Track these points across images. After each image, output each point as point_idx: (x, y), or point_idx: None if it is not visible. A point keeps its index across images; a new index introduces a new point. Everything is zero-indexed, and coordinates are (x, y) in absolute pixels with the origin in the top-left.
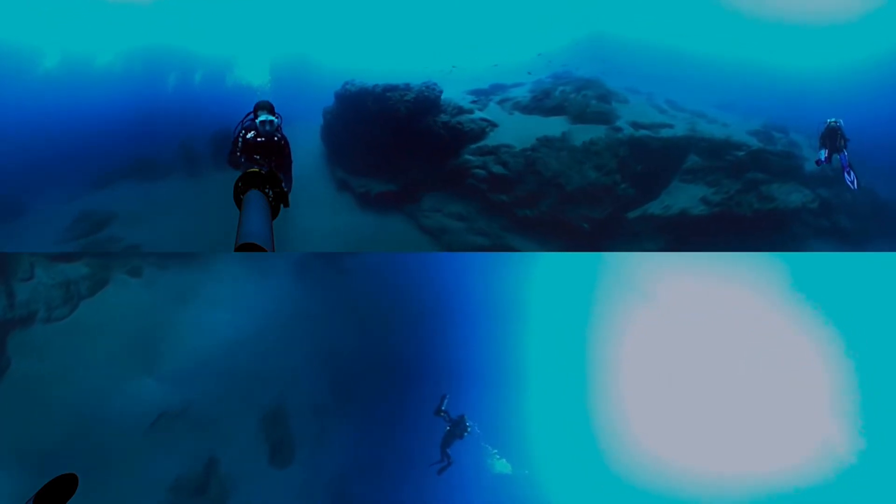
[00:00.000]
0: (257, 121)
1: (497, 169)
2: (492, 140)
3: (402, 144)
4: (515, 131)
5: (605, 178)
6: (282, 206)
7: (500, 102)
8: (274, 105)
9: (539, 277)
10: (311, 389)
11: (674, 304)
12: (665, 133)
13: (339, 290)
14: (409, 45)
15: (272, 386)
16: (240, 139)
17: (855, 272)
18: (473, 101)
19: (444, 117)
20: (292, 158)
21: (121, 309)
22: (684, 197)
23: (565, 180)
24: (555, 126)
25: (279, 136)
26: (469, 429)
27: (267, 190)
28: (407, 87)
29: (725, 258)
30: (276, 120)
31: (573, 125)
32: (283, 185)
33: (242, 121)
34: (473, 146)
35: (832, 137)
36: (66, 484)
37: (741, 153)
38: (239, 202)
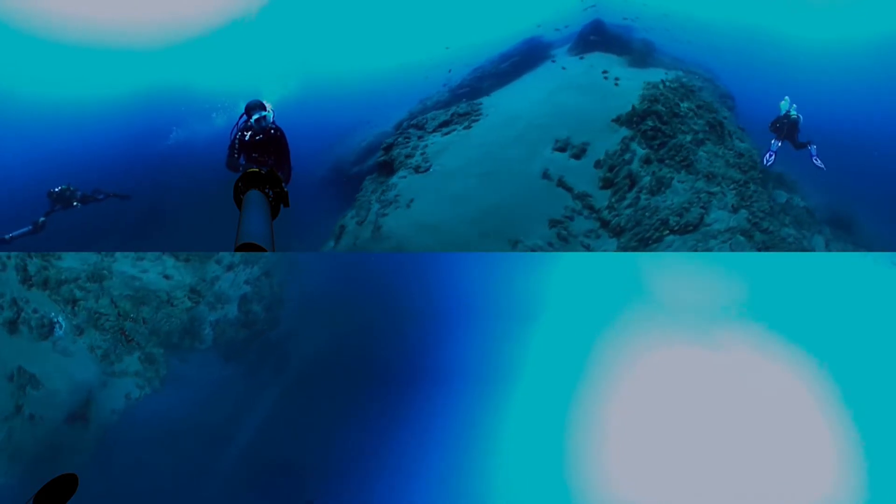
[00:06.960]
0: (251, 120)
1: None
2: None
3: None
4: None
5: None
6: (282, 205)
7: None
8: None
9: (537, 278)
10: (308, 390)
11: (674, 305)
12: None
13: (337, 290)
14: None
15: (270, 387)
16: (236, 141)
17: (856, 272)
18: None
19: None
20: (289, 147)
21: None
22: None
23: None
24: None
25: (274, 127)
26: None
27: (267, 190)
28: None
29: (726, 258)
30: (268, 114)
31: None
32: (283, 184)
33: (237, 124)
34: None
35: (790, 129)
36: (66, 484)
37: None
38: (239, 202)
